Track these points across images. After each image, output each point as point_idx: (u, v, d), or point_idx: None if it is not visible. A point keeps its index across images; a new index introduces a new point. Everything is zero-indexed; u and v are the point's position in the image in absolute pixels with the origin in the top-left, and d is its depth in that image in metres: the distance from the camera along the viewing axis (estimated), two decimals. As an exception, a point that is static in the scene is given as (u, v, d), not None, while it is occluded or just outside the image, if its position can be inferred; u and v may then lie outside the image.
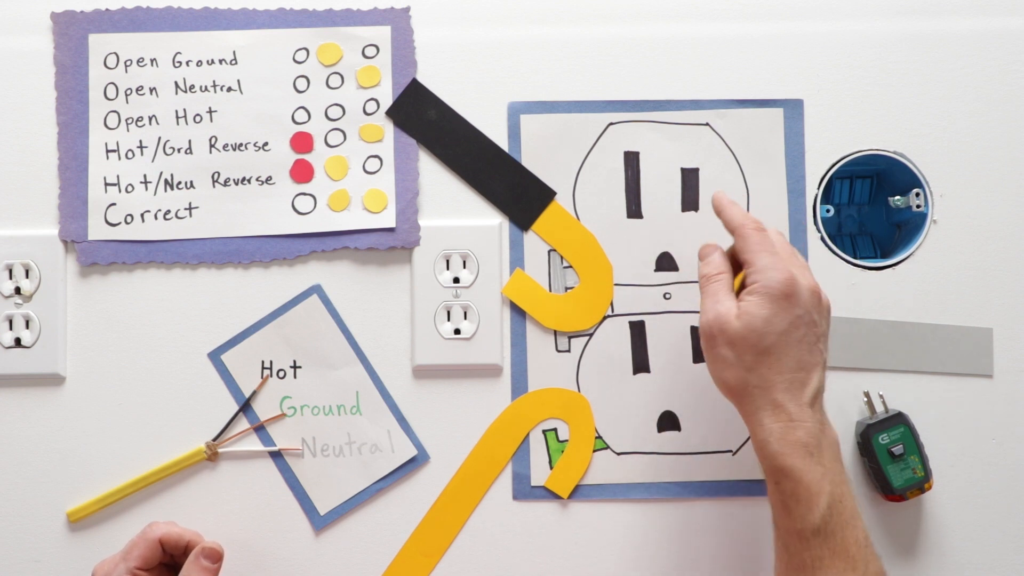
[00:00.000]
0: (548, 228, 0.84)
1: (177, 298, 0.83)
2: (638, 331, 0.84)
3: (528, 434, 0.83)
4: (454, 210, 0.84)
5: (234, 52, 0.84)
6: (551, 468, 0.83)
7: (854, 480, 0.83)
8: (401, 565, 0.82)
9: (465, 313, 0.83)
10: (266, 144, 0.84)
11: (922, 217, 0.84)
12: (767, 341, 0.70)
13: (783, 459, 0.69)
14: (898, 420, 0.81)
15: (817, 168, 0.85)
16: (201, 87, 0.84)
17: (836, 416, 0.82)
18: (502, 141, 0.84)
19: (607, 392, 0.83)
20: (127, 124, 0.84)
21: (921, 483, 0.80)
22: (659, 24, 0.85)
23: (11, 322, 0.82)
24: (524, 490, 0.83)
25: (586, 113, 0.84)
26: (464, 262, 0.83)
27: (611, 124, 0.84)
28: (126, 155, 0.83)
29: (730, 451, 0.83)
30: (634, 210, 0.84)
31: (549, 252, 0.84)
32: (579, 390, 0.83)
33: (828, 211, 0.85)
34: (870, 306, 0.84)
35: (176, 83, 0.84)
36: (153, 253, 0.83)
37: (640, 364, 0.84)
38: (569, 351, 0.84)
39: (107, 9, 0.84)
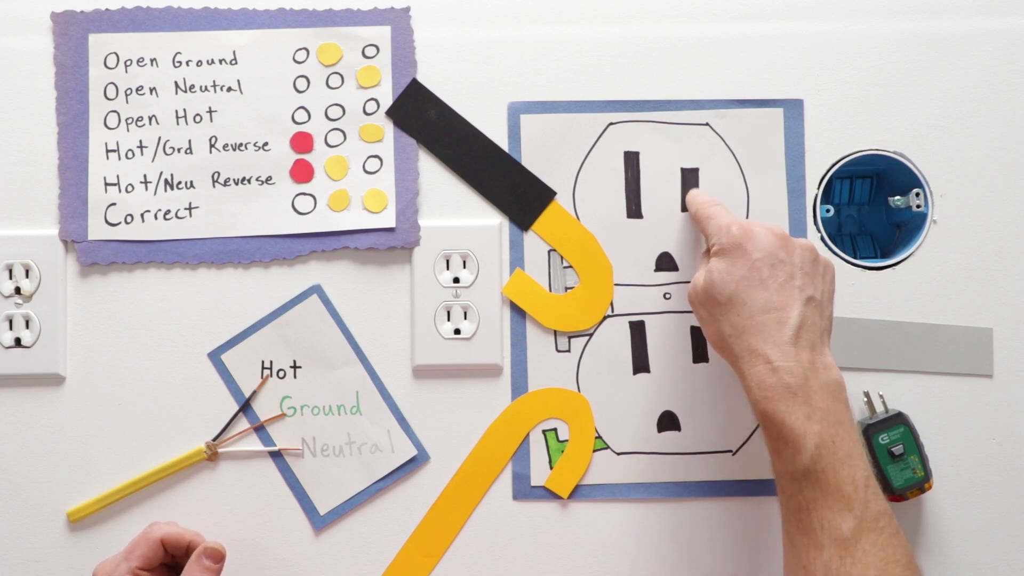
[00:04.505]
0: (548, 228, 0.84)
1: (177, 298, 0.83)
2: (638, 331, 0.84)
3: (528, 434, 0.83)
4: (454, 210, 0.84)
5: (234, 52, 0.84)
6: (551, 468, 0.83)
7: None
8: (401, 565, 0.82)
9: (465, 313, 0.83)
10: (266, 144, 0.84)
11: (922, 217, 0.84)
12: (727, 290, 0.71)
13: (764, 404, 0.69)
14: (898, 420, 0.81)
15: (817, 168, 0.85)
16: (201, 87, 0.84)
17: (836, 416, 0.82)
18: (502, 141, 0.84)
19: (607, 392, 0.83)
20: (127, 124, 0.84)
21: (921, 483, 0.80)
22: (659, 24, 0.85)
23: (11, 322, 0.82)
24: (524, 490, 0.83)
25: (586, 113, 0.84)
26: (464, 262, 0.83)
27: (611, 124, 0.84)
28: (126, 155, 0.83)
29: (730, 451, 0.83)
30: (634, 210, 0.84)
31: (549, 252, 0.84)
32: (579, 390, 0.83)
33: (828, 211, 0.85)
34: (870, 306, 0.84)
35: (176, 83, 0.84)
36: (153, 253, 0.83)
37: (640, 364, 0.84)
38: (569, 351, 0.84)
39: (107, 9, 0.84)
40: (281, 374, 0.83)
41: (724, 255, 0.73)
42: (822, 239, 0.84)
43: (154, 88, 0.84)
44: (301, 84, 0.84)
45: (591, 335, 0.84)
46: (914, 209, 0.84)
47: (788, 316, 0.70)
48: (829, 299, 0.74)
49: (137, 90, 0.84)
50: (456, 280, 0.83)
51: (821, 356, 0.70)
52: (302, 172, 0.84)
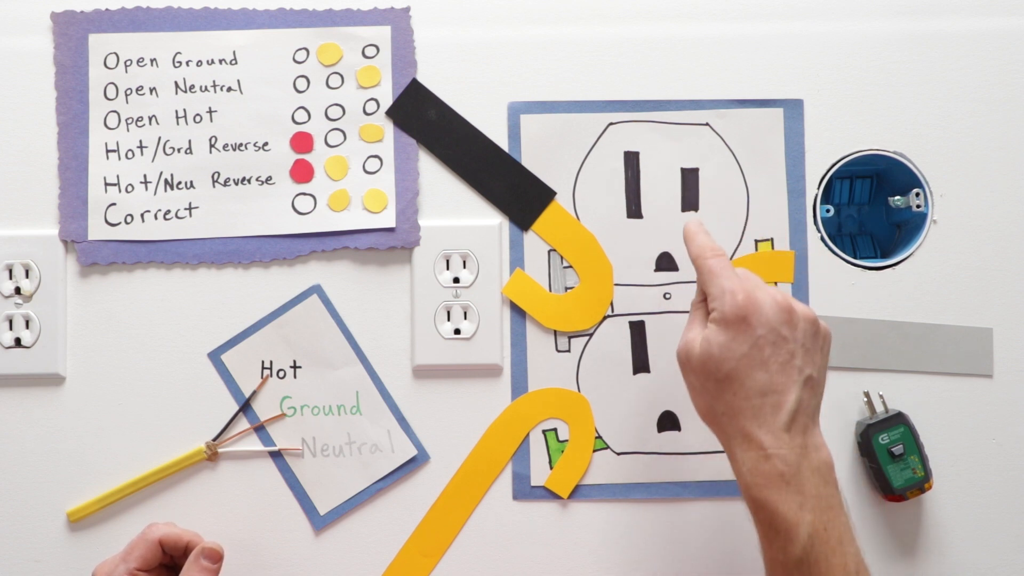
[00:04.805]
0: (548, 228, 0.84)
1: (177, 298, 0.83)
2: (638, 331, 0.84)
3: (528, 434, 0.83)
4: (454, 210, 0.84)
5: (234, 52, 0.84)
6: (551, 468, 0.83)
7: (854, 481, 0.83)
8: (401, 565, 0.82)
9: (465, 313, 0.83)
10: (266, 144, 0.84)
11: (922, 217, 0.84)
12: (726, 367, 0.68)
13: (756, 491, 0.67)
14: (898, 420, 0.81)
15: (817, 168, 0.85)
16: (201, 87, 0.84)
17: (836, 416, 0.82)
18: (502, 141, 0.84)
19: (607, 392, 0.83)
20: (127, 124, 0.84)
21: (921, 483, 0.80)
22: (659, 24, 0.85)
23: (11, 322, 0.82)
24: (524, 490, 0.83)
25: (586, 113, 0.84)
26: (464, 262, 0.83)
27: (611, 124, 0.84)
28: (126, 155, 0.83)
29: (730, 451, 0.83)
30: (634, 210, 0.84)
31: (549, 252, 0.84)
32: (579, 390, 0.83)
33: (828, 211, 0.85)
34: (870, 306, 0.84)
35: (176, 83, 0.84)
36: (153, 253, 0.83)
37: (640, 364, 0.84)
38: (569, 351, 0.84)
39: (107, 9, 0.84)
40: (281, 374, 0.83)
41: (726, 327, 0.68)
42: (822, 239, 0.84)
43: (154, 88, 0.84)
44: (301, 84, 0.84)
45: (591, 335, 0.84)
46: (914, 209, 0.84)
47: (785, 400, 0.67)
48: (824, 374, 0.71)
49: (137, 90, 0.84)
50: (456, 280, 0.83)
51: (812, 437, 0.68)
52: (302, 172, 0.84)
